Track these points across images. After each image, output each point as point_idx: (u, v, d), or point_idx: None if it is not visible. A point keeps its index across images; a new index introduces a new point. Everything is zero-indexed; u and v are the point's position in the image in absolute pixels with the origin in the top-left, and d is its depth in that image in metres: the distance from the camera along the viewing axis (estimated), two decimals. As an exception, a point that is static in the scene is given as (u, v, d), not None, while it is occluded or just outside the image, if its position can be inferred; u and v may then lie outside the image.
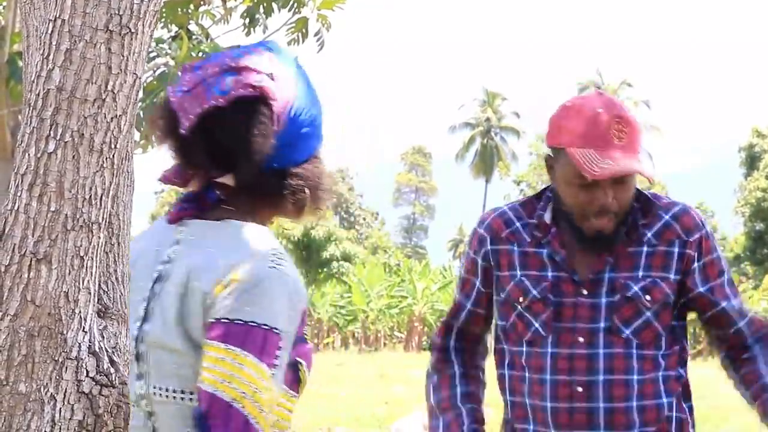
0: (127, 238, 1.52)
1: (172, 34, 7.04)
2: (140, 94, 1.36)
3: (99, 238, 1.33)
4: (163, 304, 1.63)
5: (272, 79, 1.66)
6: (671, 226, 2.32)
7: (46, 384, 1.29)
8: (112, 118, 1.32)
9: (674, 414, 2.32)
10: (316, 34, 7.09)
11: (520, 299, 2.32)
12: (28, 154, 1.30)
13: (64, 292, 1.30)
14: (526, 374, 2.31)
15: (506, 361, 2.36)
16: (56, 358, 1.30)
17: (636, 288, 2.27)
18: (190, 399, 1.58)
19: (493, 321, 2.46)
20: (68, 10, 1.30)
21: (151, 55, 6.42)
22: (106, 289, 1.42)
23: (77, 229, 1.30)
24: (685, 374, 2.38)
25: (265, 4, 7.04)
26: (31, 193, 1.29)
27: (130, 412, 1.61)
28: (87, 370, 1.33)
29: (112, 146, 1.32)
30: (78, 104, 1.29)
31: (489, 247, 2.38)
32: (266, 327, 1.54)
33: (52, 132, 1.29)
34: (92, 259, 1.33)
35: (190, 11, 6.91)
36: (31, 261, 1.28)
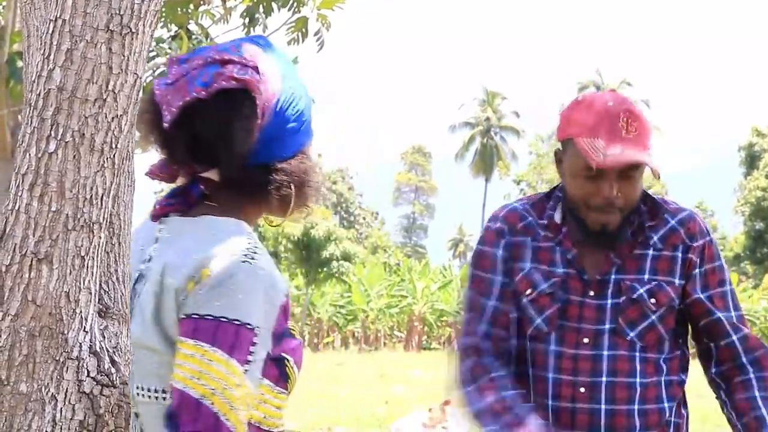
0: (128, 238, 1.51)
1: (172, 33, 7.03)
2: (141, 94, 1.36)
3: (100, 238, 1.33)
4: (142, 304, 1.62)
5: (257, 73, 1.65)
6: (677, 231, 2.32)
7: (47, 384, 1.29)
8: (113, 118, 1.32)
9: (673, 419, 2.32)
10: (315, 34, 7.08)
11: (527, 291, 2.31)
12: (29, 154, 1.29)
13: (65, 292, 1.30)
14: (530, 370, 2.31)
15: (513, 354, 2.35)
16: (57, 358, 1.30)
17: (642, 290, 2.27)
18: (172, 398, 1.56)
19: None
20: (69, 9, 1.30)
21: (151, 54, 6.42)
22: (107, 289, 1.41)
23: (78, 229, 1.30)
24: (686, 380, 2.38)
25: (264, 4, 7.04)
26: (32, 193, 1.29)
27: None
28: (88, 370, 1.33)
29: (113, 146, 1.32)
30: (79, 104, 1.29)
31: (508, 238, 2.36)
32: (238, 322, 1.52)
33: (52, 132, 1.29)
34: (93, 259, 1.32)
35: (189, 11, 6.90)
36: (32, 261, 1.28)
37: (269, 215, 1.77)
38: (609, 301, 2.28)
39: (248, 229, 1.65)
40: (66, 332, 1.26)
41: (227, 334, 1.51)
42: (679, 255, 2.31)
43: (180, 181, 1.71)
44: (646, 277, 2.29)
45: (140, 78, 1.30)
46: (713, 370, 2.36)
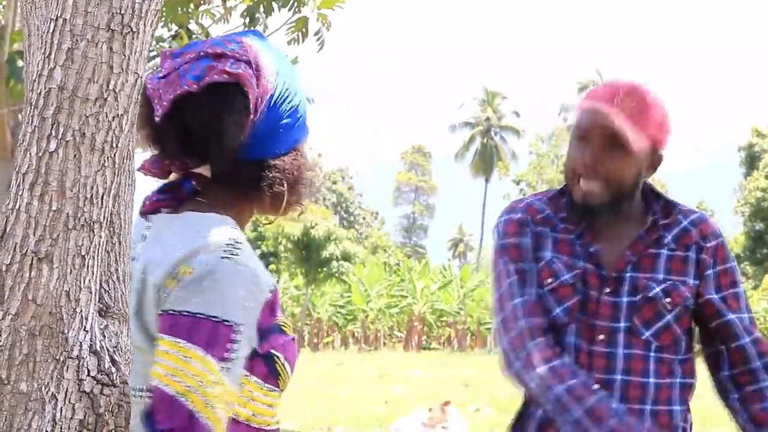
0: (128, 237, 1.51)
1: (172, 33, 7.04)
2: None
3: (100, 237, 1.33)
4: (129, 303, 1.60)
5: (250, 67, 1.62)
6: (690, 232, 2.33)
7: (48, 383, 1.29)
8: (113, 118, 1.32)
9: (680, 423, 2.28)
10: (316, 34, 7.09)
11: (549, 280, 2.29)
12: (30, 153, 1.29)
13: (66, 291, 1.30)
14: None
15: None
16: (57, 357, 1.30)
17: (657, 289, 2.26)
18: None
19: None
20: (70, 9, 1.30)
21: (152, 54, 6.42)
22: (107, 288, 1.41)
23: (78, 228, 1.30)
24: (695, 384, 2.34)
25: (265, 4, 7.04)
26: (33, 192, 1.29)
27: (131, 411, 1.60)
28: (88, 369, 1.33)
29: (114, 145, 1.32)
30: (79, 103, 1.29)
31: (532, 227, 2.34)
32: (216, 319, 1.49)
33: (53, 131, 1.29)
34: (93, 258, 1.32)
35: (190, 10, 6.90)
36: (32, 260, 1.28)
37: (263, 213, 1.74)
38: (625, 299, 2.27)
39: (232, 225, 1.62)
40: (66, 331, 1.26)
41: (204, 330, 1.48)
42: (693, 255, 2.31)
43: (173, 178, 1.69)
44: (661, 276, 2.28)
45: (141, 77, 1.30)
46: (724, 373, 2.32)
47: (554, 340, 2.25)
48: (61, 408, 1.28)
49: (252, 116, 1.61)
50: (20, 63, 5.94)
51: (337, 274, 37.86)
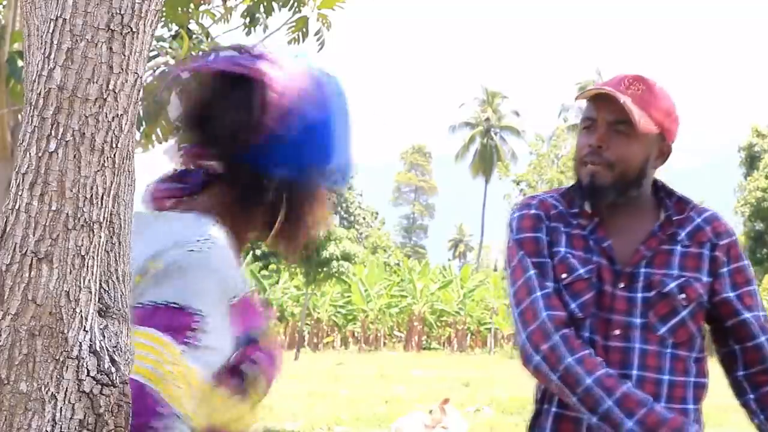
0: (128, 237, 1.51)
1: (173, 33, 7.04)
2: (141, 94, 1.36)
3: (100, 237, 1.33)
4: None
5: (271, 68, 1.59)
6: (703, 229, 2.33)
7: (47, 383, 1.29)
8: (113, 118, 1.32)
9: (697, 426, 2.25)
10: (316, 34, 7.09)
11: (563, 275, 2.29)
12: (29, 154, 1.29)
13: (65, 291, 1.30)
14: None
15: None
16: (57, 357, 1.30)
17: (672, 285, 2.25)
18: None
19: None
20: (69, 9, 1.30)
21: (152, 54, 6.42)
22: (107, 289, 1.41)
23: (78, 228, 1.30)
24: (708, 383, 2.34)
25: (265, 4, 7.04)
26: (32, 193, 1.29)
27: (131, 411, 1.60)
28: (88, 370, 1.33)
29: (114, 145, 1.32)
30: (79, 103, 1.29)
31: (546, 222, 2.35)
32: (176, 305, 1.46)
33: (53, 131, 1.29)
34: (93, 258, 1.32)
35: (190, 10, 6.90)
36: (32, 260, 1.28)
37: (256, 230, 1.66)
38: (639, 295, 2.26)
39: (207, 223, 1.56)
40: (66, 331, 1.26)
41: (164, 316, 1.45)
42: (706, 252, 2.30)
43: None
44: (675, 272, 2.28)
45: (141, 77, 1.30)
46: (739, 373, 2.32)
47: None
48: (61, 408, 1.28)
49: (261, 114, 1.57)
50: (20, 63, 5.95)
51: (337, 274, 37.89)
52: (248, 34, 7.21)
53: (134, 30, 1.27)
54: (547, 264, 2.30)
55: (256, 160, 1.59)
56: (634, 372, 2.22)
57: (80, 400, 1.27)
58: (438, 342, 41.28)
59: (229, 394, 1.53)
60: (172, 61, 6.40)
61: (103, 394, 1.31)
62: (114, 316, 1.39)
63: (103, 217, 1.28)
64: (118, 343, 1.36)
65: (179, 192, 1.66)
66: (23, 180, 1.24)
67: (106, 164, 1.26)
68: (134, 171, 1.55)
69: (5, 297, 1.23)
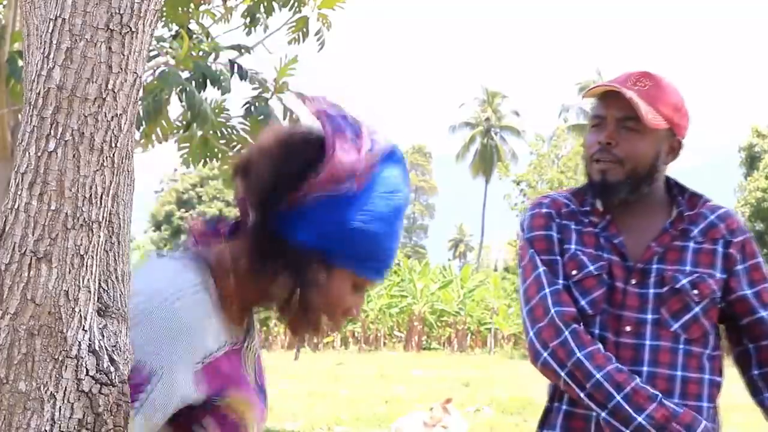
0: (127, 237, 1.51)
1: (173, 33, 7.04)
2: (140, 93, 1.36)
3: (99, 236, 1.33)
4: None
5: (337, 140, 1.44)
6: (717, 226, 2.32)
7: (46, 382, 1.29)
8: (112, 117, 1.32)
9: (710, 424, 2.23)
10: (316, 34, 7.09)
11: (573, 272, 2.29)
12: (29, 153, 1.30)
13: (64, 290, 1.30)
14: None
15: None
16: (56, 357, 1.30)
17: (684, 281, 2.25)
18: None
19: None
20: (69, 8, 1.30)
21: (152, 54, 6.42)
22: (106, 288, 1.41)
23: (77, 227, 1.30)
24: (723, 383, 2.32)
25: (265, 4, 7.04)
26: (32, 192, 1.29)
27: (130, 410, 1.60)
28: (87, 369, 1.33)
29: (113, 145, 1.32)
30: (78, 103, 1.29)
31: (558, 220, 2.35)
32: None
33: (52, 131, 1.29)
34: (92, 257, 1.32)
35: (190, 10, 6.90)
36: (31, 259, 1.28)
37: (265, 295, 1.54)
38: (651, 291, 2.25)
39: (193, 273, 1.51)
40: (65, 331, 1.26)
41: None
42: (720, 249, 2.30)
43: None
44: (688, 268, 2.27)
45: (140, 77, 1.30)
46: (754, 372, 2.31)
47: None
48: (60, 407, 1.28)
49: (311, 180, 1.44)
50: (20, 63, 5.95)
51: (337, 274, 37.68)
52: (248, 34, 7.21)
53: (133, 30, 1.27)
54: (557, 261, 2.30)
55: (283, 221, 1.47)
56: (645, 368, 2.21)
57: (79, 399, 1.27)
58: (438, 342, 41.25)
59: None
60: (172, 61, 6.40)
61: (102, 394, 1.31)
62: (113, 315, 1.39)
63: (102, 216, 1.28)
64: (117, 342, 1.36)
65: (210, 233, 1.60)
66: (22, 179, 1.24)
67: (105, 164, 1.26)
68: (133, 171, 1.55)
69: (4, 296, 1.23)
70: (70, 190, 1.29)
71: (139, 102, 1.38)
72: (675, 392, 2.21)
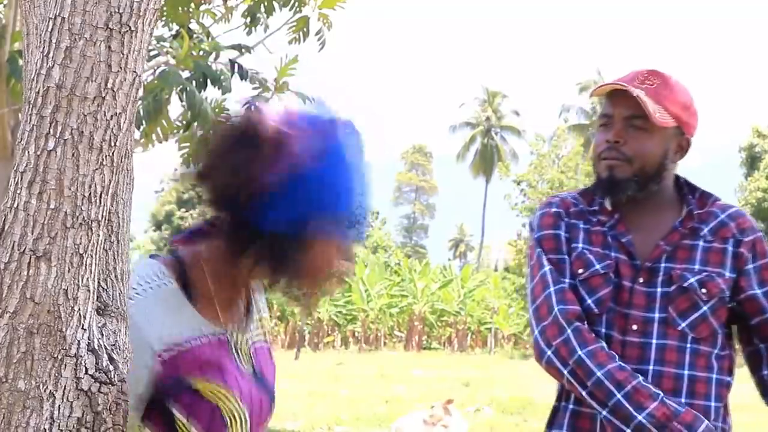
0: (127, 236, 1.52)
1: (173, 32, 7.03)
2: (140, 92, 1.36)
3: (98, 235, 1.33)
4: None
5: (271, 120, 1.53)
6: (727, 225, 2.31)
7: (45, 381, 1.29)
8: (111, 116, 1.32)
9: (720, 424, 2.23)
10: (317, 34, 7.08)
11: (580, 271, 2.28)
12: (28, 152, 1.30)
13: (64, 289, 1.30)
14: None
15: None
16: (55, 356, 1.30)
17: (692, 280, 2.23)
18: None
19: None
20: (68, 8, 1.30)
21: (152, 53, 6.42)
22: (105, 287, 1.42)
23: (77, 226, 1.30)
24: (733, 383, 2.30)
25: (266, 3, 7.04)
26: (31, 191, 1.29)
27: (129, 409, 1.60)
28: (86, 368, 1.33)
29: (112, 144, 1.32)
30: (78, 102, 1.29)
31: (566, 220, 2.35)
32: None
33: (51, 130, 1.29)
34: (91, 256, 1.33)
35: (191, 10, 6.90)
36: (30, 258, 1.28)
37: (252, 277, 1.64)
38: (659, 290, 2.24)
39: (157, 269, 1.58)
40: (64, 330, 1.26)
41: None
42: (730, 248, 2.28)
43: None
44: (696, 267, 2.25)
45: (139, 76, 1.30)
46: (765, 372, 2.30)
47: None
48: (59, 406, 1.28)
49: (264, 165, 1.51)
50: (20, 62, 5.95)
51: (337, 274, 37.69)
52: (249, 33, 7.21)
53: (133, 29, 1.27)
54: (565, 260, 2.30)
55: (251, 212, 1.54)
56: (651, 367, 2.20)
57: (78, 398, 1.27)
58: (438, 342, 41.26)
59: None
60: (172, 61, 6.40)
61: (102, 392, 1.31)
62: (112, 314, 1.39)
63: (102, 215, 1.29)
64: (116, 341, 1.36)
65: (186, 237, 1.67)
66: (22, 178, 1.24)
67: (104, 163, 1.26)
68: (133, 170, 1.55)
69: (3, 295, 1.23)
70: (70, 189, 1.29)
71: (139, 101, 1.38)
72: (682, 391, 2.19)
